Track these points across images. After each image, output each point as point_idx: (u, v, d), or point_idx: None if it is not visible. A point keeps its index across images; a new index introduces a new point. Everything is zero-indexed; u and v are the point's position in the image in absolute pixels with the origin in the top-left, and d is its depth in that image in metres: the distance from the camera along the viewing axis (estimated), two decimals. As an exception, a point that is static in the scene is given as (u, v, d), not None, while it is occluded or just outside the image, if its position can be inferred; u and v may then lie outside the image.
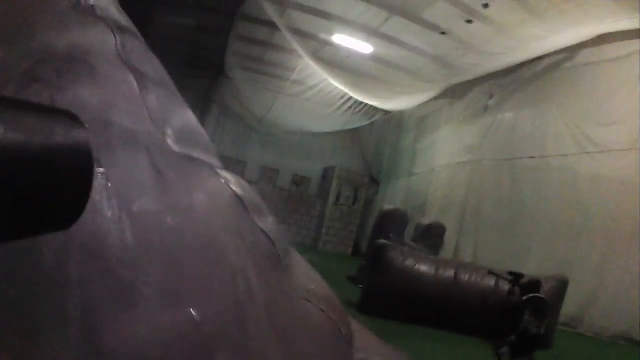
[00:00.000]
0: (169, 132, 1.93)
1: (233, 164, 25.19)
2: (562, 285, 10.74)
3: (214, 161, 2.26)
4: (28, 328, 1.43)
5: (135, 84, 1.95)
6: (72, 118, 1.18)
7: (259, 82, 23.96)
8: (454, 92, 21.27)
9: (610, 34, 13.40)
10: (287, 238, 2.48)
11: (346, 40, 17.41)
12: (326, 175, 28.14)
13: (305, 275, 2.46)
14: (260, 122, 27.96)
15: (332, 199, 26.62)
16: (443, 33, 15.30)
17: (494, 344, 9.52)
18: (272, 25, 17.75)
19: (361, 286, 12.25)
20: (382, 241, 11.79)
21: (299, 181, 27.57)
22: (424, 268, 10.92)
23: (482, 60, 16.22)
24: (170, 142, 1.90)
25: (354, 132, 29.85)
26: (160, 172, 1.75)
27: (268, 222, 2.18)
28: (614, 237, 12.65)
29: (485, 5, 13.02)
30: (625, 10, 11.47)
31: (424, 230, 17.02)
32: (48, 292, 1.45)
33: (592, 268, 12.84)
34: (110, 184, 1.57)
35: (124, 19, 2.25)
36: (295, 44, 18.15)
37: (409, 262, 10.95)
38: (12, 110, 1.02)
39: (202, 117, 27.10)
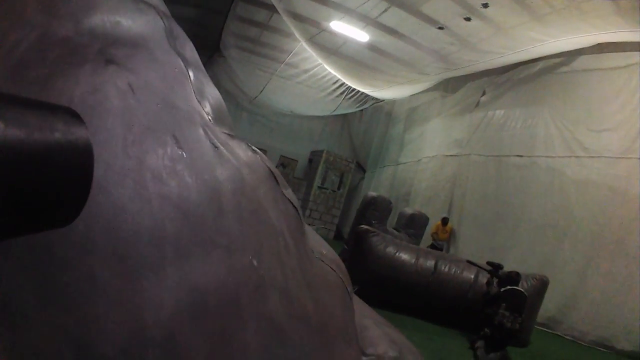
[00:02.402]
0: (210, 111, 2.22)
1: (222, 142, 25.10)
2: (541, 285, 10.84)
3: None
4: (131, 271, 1.61)
5: (184, 68, 2.21)
6: (72, 115, 1.19)
7: (253, 63, 23.77)
8: (447, 86, 21.36)
9: (610, 43, 13.45)
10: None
11: (343, 28, 17.33)
12: (313, 158, 28.20)
13: (315, 240, 2.93)
14: (251, 101, 27.90)
15: (317, 182, 26.62)
16: (440, 28, 15.29)
17: (470, 336, 9.67)
18: (270, 8, 17.72)
19: (341, 269, 12.35)
20: (364, 227, 11.82)
21: (286, 163, 27.56)
22: (404, 256, 11.00)
23: (478, 58, 16.23)
24: (212, 120, 2.19)
25: (344, 117, 29.96)
26: (217, 148, 2.06)
27: (291, 193, 2.59)
28: (598, 243, 12.75)
29: (485, 5, 13.03)
30: (627, 23, 11.51)
31: (407, 219, 17.08)
32: (148, 240, 1.67)
33: (575, 271, 12.95)
34: (186, 156, 1.89)
35: (161, 4, 2.43)
36: (292, 27, 18.09)
37: (390, 249, 11.02)
38: (12, 107, 1.04)
39: (195, 94, 26.94)
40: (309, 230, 2.96)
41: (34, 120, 1.06)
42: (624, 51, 13.33)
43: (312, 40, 18.66)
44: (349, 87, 23.63)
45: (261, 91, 26.09)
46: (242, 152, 2.25)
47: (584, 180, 13.62)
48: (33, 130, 1.03)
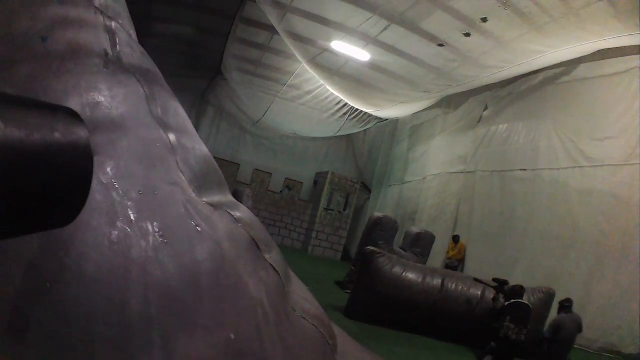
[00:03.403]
0: (194, 180, 2.32)
1: (226, 166, 25.21)
2: (548, 297, 10.90)
3: (228, 196, 2.76)
4: (126, 355, 1.79)
5: (166, 140, 2.29)
6: (72, 115, 1.19)
7: (255, 85, 23.94)
8: (449, 102, 21.43)
9: (609, 49, 13.48)
10: (287, 267, 3.07)
11: (344, 47, 17.41)
12: (318, 180, 28.15)
13: (300, 295, 3.04)
14: (255, 124, 28.02)
15: (323, 203, 26.56)
16: (441, 45, 15.34)
17: (477, 352, 9.64)
18: (271, 29, 17.85)
19: (348, 291, 12.32)
20: (371, 248, 11.85)
21: (291, 185, 27.49)
22: (411, 276, 11.02)
23: (479, 73, 16.27)
24: (195, 190, 2.28)
25: (348, 138, 30.07)
26: (197, 226, 2.16)
27: (274, 256, 2.72)
28: (603, 251, 12.73)
29: (484, 20, 13.08)
30: (626, 27, 11.54)
31: (413, 238, 17.06)
32: (138, 328, 1.83)
33: (581, 280, 12.91)
34: (167, 242, 2.00)
35: (146, 61, 2.45)
36: (293, 48, 18.19)
37: (397, 270, 11.03)
38: (12, 107, 1.04)
39: (197, 118, 27.09)
40: (296, 283, 3.12)
41: (34, 120, 1.06)
42: (624, 56, 13.39)
43: (314, 61, 18.75)
44: (352, 108, 23.71)
45: (264, 114, 26.16)
46: (223, 224, 2.34)
47: (588, 190, 13.64)
48: (33, 130, 1.03)
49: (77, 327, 1.68)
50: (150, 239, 1.93)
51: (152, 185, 2.06)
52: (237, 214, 2.52)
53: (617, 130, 13.25)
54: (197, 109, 27.45)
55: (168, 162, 2.22)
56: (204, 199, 2.31)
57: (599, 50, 13.73)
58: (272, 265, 2.60)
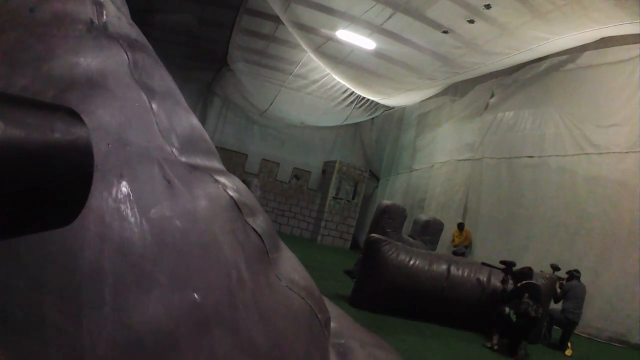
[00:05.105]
0: (175, 142, 2.25)
1: (234, 156, 25.24)
2: (551, 283, 10.97)
3: (215, 164, 2.62)
4: (72, 309, 1.70)
5: (146, 101, 2.21)
6: (72, 114, 1.21)
7: (261, 75, 23.96)
8: (456, 90, 21.42)
9: (613, 37, 13.43)
10: (277, 237, 2.90)
11: (349, 36, 17.38)
12: (326, 169, 28.12)
13: (290, 267, 2.84)
14: (261, 114, 27.98)
15: (331, 193, 26.54)
16: (445, 32, 15.31)
17: (486, 335, 9.67)
18: (275, 19, 17.81)
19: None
20: (375, 235, 11.74)
21: (299, 174, 27.47)
22: (417, 263, 10.91)
23: (484, 60, 16.22)
24: (176, 152, 2.21)
25: (355, 127, 29.99)
26: (169, 183, 2.09)
27: (259, 221, 2.56)
28: (611, 238, 12.71)
29: (487, 6, 13.04)
30: (628, 15, 11.49)
31: (422, 226, 17.02)
32: (88, 280, 1.74)
33: (588, 268, 12.79)
34: (132, 195, 1.92)
35: (134, 32, 2.44)
36: (298, 38, 18.17)
37: (402, 257, 10.96)
38: (12, 107, 1.04)
39: (204, 109, 27.12)
40: (286, 254, 2.95)
41: (34, 120, 1.06)
42: (627, 44, 13.36)
43: (319, 50, 18.73)
44: (359, 96, 23.66)
45: (271, 104, 26.15)
46: (200, 184, 2.28)
47: (595, 177, 13.62)
48: (33, 130, 1.04)
49: (26, 273, 1.67)
50: (114, 190, 1.87)
51: (124, 140, 2.02)
52: (222, 179, 2.45)
53: (622, 118, 13.24)
54: (203, 100, 27.50)
55: (145, 121, 2.17)
56: (184, 159, 2.26)
57: (603, 38, 13.68)
58: (253, 229, 2.47)
